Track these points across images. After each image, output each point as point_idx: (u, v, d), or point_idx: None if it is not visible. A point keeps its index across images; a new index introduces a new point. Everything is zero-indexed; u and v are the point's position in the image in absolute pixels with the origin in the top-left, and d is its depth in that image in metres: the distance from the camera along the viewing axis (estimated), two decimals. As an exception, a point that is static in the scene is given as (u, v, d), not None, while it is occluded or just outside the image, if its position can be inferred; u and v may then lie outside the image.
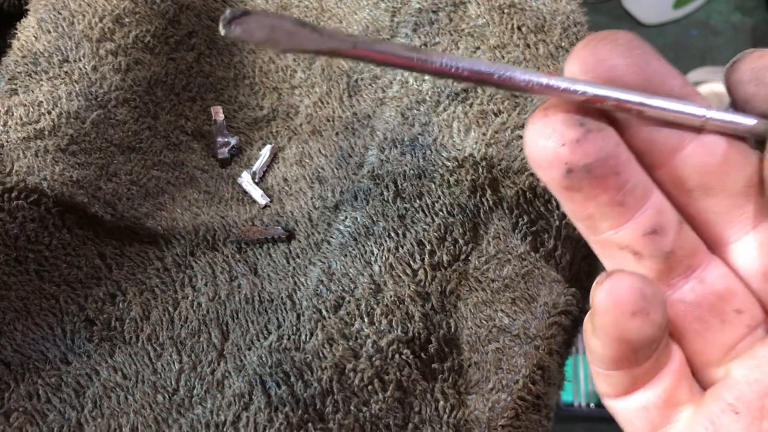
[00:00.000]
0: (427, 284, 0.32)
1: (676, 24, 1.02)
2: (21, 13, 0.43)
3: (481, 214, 0.34)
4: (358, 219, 0.35)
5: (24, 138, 0.33)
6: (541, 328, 0.33)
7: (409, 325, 0.31)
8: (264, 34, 0.22)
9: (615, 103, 0.22)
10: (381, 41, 0.26)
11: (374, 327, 0.31)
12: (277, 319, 0.33)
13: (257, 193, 0.38)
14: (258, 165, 0.39)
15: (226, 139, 0.39)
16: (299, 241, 0.36)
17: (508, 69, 0.23)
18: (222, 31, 0.21)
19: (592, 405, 0.92)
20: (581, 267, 0.35)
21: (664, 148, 0.22)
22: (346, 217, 0.36)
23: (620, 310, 0.22)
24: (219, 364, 0.32)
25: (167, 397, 0.31)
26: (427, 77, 0.38)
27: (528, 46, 0.38)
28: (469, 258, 0.33)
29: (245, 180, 0.39)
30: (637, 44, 0.22)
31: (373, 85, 0.40)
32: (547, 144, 0.22)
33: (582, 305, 0.35)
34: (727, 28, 1.06)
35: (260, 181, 0.39)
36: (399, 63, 0.24)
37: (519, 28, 0.38)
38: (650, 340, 0.22)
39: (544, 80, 0.22)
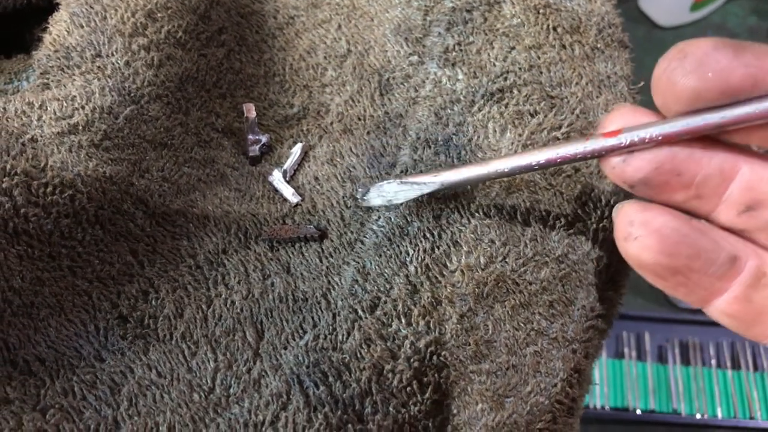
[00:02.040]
0: (463, 286, 0.32)
1: (693, 26, 1.02)
2: (51, 7, 0.43)
3: (518, 216, 0.33)
4: (392, 219, 0.35)
5: (58, 133, 0.33)
6: (579, 331, 0.32)
7: (446, 326, 0.31)
8: (381, 200, 0.33)
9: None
10: (458, 168, 0.30)
11: (412, 328, 0.31)
12: (313, 318, 0.33)
13: (288, 192, 0.38)
14: (289, 163, 0.39)
15: (257, 137, 0.39)
16: (332, 240, 0.36)
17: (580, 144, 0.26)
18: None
19: (606, 407, 0.92)
20: (618, 269, 0.35)
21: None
22: (379, 217, 0.35)
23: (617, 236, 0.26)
24: (255, 363, 0.31)
25: (203, 395, 0.30)
26: (460, 76, 0.38)
27: (564, 46, 0.37)
28: (506, 260, 0.32)
29: (276, 178, 0.38)
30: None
31: (405, 84, 0.39)
32: (608, 166, 0.25)
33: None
34: (743, 30, 1.05)
35: (291, 179, 0.39)
36: (480, 180, 0.31)
37: (554, 29, 0.38)
38: (653, 263, 0.24)
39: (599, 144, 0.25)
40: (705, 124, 0.23)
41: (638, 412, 0.94)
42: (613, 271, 0.35)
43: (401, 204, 0.34)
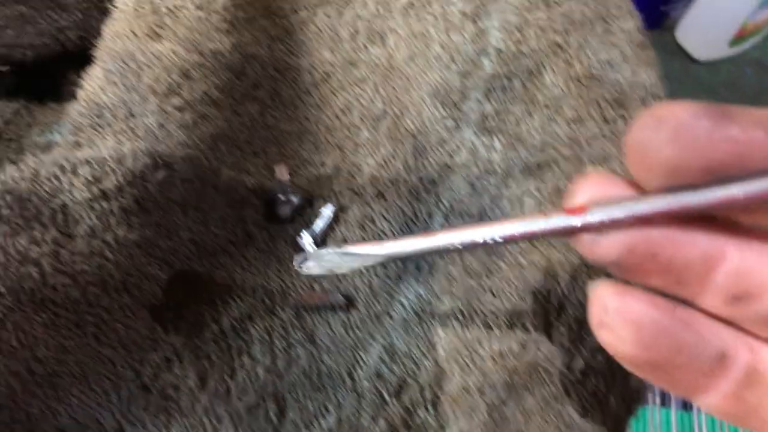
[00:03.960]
0: (495, 374, 0.31)
1: (731, 62, 0.99)
2: (83, 54, 0.43)
3: (554, 301, 0.32)
4: (422, 294, 0.34)
5: (89, 199, 0.32)
6: (613, 424, 0.31)
7: (475, 417, 0.30)
8: (320, 269, 0.31)
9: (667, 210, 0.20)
10: (404, 239, 0.27)
11: (439, 417, 0.30)
12: (336, 397, 0.32)
13: (317, 256, 0.37)
14: (319, 225, 0.38)
15: (288, 197, 0.38)
16: (359, 311, 0.35)
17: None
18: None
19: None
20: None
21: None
22: (409, 290, 0.35)
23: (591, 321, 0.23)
24: (277, 446, 0.31)
25: (224, 479, 0.30)
26: (497, 146, 0.37)
27: (606, 120, 0.36)
28: (540, 348, 0.32)
29: (306, 241, 0.38)
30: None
31: (440, 149, 0.38)
32: (577, 242, 0.22)
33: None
34: (783, 68, 1.03)
35: (321, 242, 0.38)
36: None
37: (597, 101, 0.37)
38: (629, 356, 0.22)
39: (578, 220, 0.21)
40: (683, 205, 0.19)
41: (661, 457, 0.92)
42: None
43: (419, 278, 0.33)
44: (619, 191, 0.21)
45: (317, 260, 0.31)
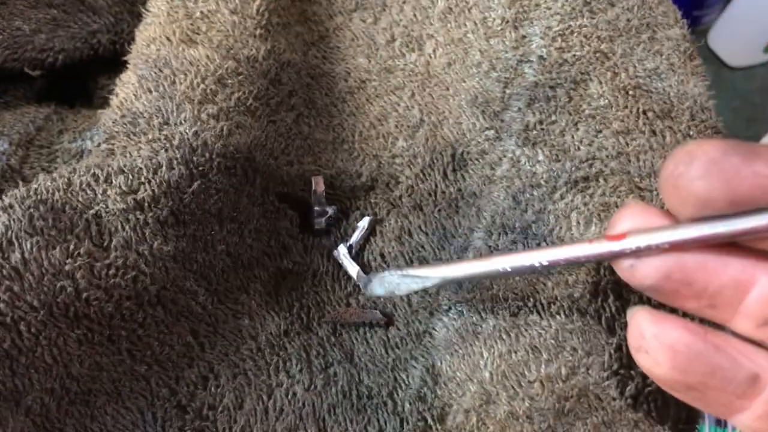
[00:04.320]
0: (543, 399, 0.30)
1: (764, 68, 0.98)
2: (115, 56, 0.42)
3: (603, 322, 0.31)
4: (464, 313, 0.33)
5: (123, 209, 0.31)
6: (664, 452, 0.30)
7: (523, 444, 0.29)
8: (382, 290, 0.32)
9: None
10: (459, 262, 0.29)
11: (486, 444, 0.29)
12: (378, 421, 0.31)
13: (354, 270, 0.36)
14: (355, 238, 0.37)
15: (323, 209, 0.37)
16: (398, 329, 0.34)
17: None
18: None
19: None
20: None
21: None
22: (450, 308, 0.33)
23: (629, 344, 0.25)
24: (318, 471, 0.30)
25: (263, 504, 0.29)
26: (541, 158, 0.36)
27: (654, 132, 0.35)
28: (590, 371, 0.30)
29: (341, 253, 0.37)
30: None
31: (481, 160, 0.37)
32: (619, 267, 0.24)
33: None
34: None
35: (357, 255, 0.37)
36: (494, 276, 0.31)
37: (644, 113, 0.35)
38: (666, 379, 0.24)
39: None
40: (713, 233, 0.22)
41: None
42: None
43: (455, 299, 0.33)
44: (656, 221, 0.23)
45: (380, 282, 0.32)
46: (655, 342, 0.23)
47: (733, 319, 0.23)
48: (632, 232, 0.23)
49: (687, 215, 0.22)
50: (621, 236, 0.24)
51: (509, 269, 0.26)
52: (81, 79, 0.44)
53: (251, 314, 0.34)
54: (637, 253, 0.23)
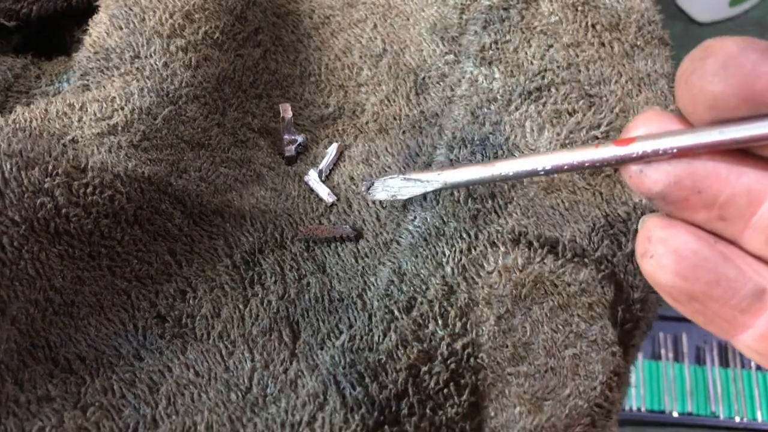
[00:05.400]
0: (501, 287, 0.31)
1: (732, 22, 1.00)
2: (90, 9, 0.43)
3: (557, 216, 0.33)
4: (428, 219, 0.34)
5: (98, 134, 0.33)
6: (618, 334, 0.32)
7: (483, 328, 0.31)
8: (385, 194, 0.33)
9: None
10: (461, 167, 0.29)
11: (448, 329, 0.31)
12: (348, 318, 0.33)
13: (324, 191, 0.38)
14: (324, 163, 0.39)
15: (293, 137, 0.39)
16: (367, 241, 0.36)
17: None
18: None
19: (643, 409, 0.91)
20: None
21: None
22: (415, 217, 0.35)
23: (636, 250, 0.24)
24: (291, 363, 0.31)
25: (241, 395, 0.31)
26: (497, 75, 0.38)
27: (603, 44, 0.37)
28: (545, 261, 0.32)
29: (312, 178, 0.38)
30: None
31: (441, 83, 0.39)
32: (626, 174, 0.23)
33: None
34: (785, 26, 1.03)
35: (327, 179, 0.39)
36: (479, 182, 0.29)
37: (593, 26, 0.37)
38: (669, 286, 0.23)
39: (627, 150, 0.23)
40: (724, 139, 0.20)
41: (675, 414, 0.92)
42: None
43: (422, 200, 0.34)
44: (671, 127, 0.22)
45: (382, 186, 0.33)
46: (661, 246, 0.22)
47: (743, 233, 0.22)
48: (641, 138, 0.22)
49: (698, 117, 0.21)
50: (629, 141, 0.22)
51: (511, 174, 0.26)
52: (57, 34, 0.46)
53: (226, 236, 0.36)
54: (645, 158, 0.22)
